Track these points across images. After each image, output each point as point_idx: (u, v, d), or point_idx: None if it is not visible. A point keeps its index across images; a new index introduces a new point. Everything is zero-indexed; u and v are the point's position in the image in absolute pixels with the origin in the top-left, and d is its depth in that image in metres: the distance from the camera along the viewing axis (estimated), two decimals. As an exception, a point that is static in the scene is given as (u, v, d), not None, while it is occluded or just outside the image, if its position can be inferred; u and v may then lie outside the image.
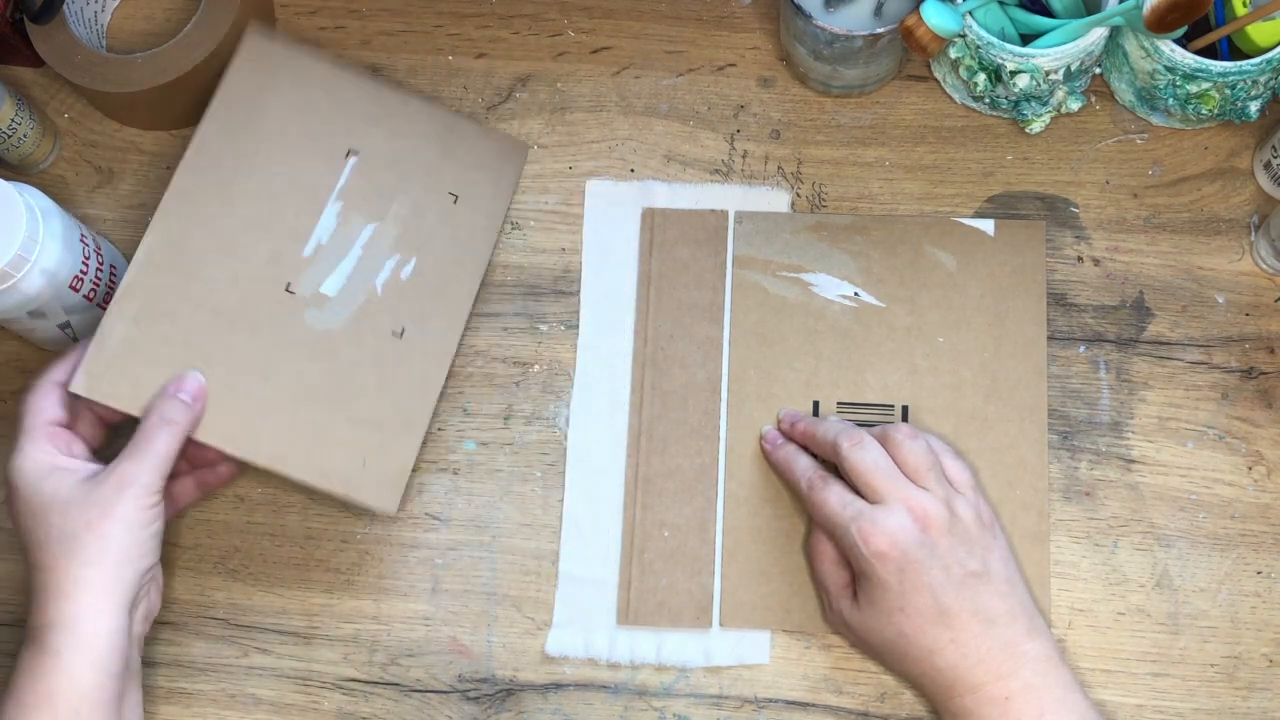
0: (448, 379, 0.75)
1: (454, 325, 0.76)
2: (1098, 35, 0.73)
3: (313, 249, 0.73)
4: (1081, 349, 0.76)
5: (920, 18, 0.71)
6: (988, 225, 0.77)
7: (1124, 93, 0.78)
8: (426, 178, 0.76)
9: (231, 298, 0.71)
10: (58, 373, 0.69)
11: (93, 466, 0.66)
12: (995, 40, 0.72)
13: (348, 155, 0.75)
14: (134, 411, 0.68)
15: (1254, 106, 0.74)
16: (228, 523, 0.75)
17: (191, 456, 0.72)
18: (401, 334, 0.74)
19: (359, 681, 0.73)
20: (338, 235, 0.74)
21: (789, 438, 0.73)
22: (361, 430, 0.72)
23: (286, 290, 0.72)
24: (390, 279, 0.74)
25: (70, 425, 0.69)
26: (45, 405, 0.68)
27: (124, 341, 0.69)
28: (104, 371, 0.68)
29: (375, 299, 0.74)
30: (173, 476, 0.71)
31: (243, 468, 0.73)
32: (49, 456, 0.66)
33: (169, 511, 0.71)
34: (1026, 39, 0.76)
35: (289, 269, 0.73)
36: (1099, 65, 0.78)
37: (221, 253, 0.72)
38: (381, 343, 0.73)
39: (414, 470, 0.75)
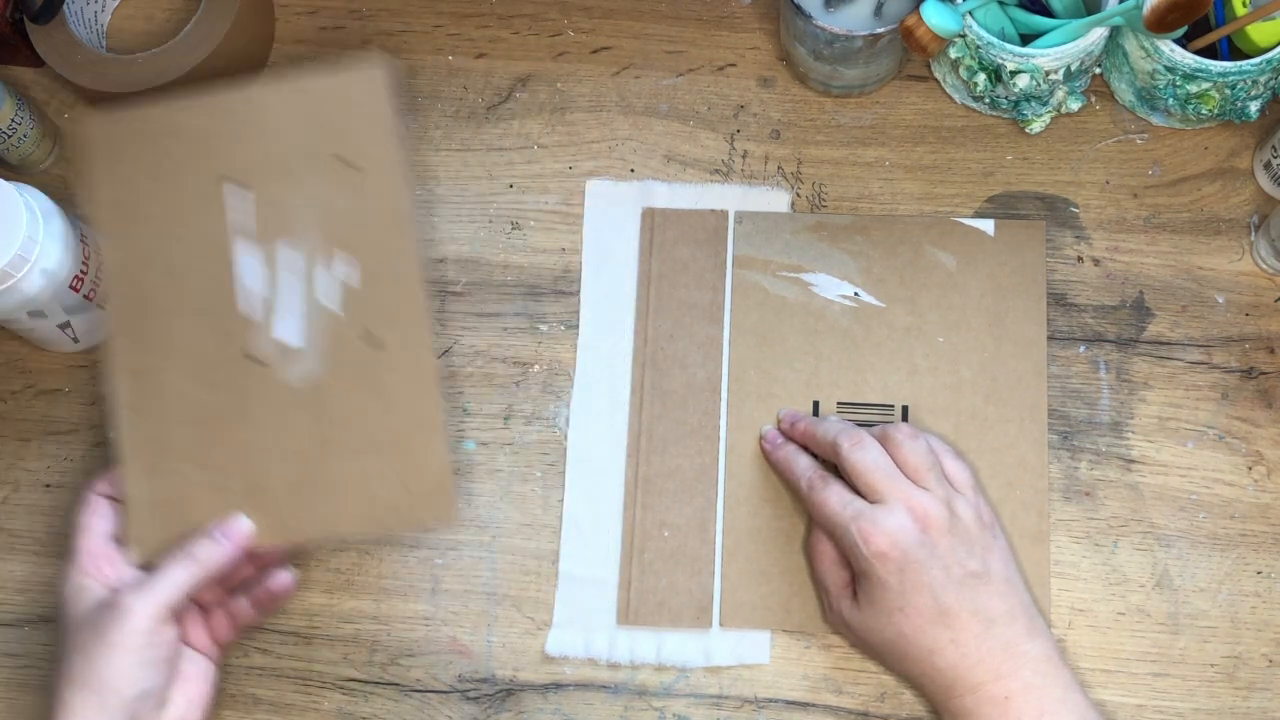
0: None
1: (418, 305, 0.70)
2: (1098, 35, 0.73)
3: (248, 303, 0.69)
4: (1081, 349, 0.76)
5: (920, 18, 0.71)
6: (988, 225, 0.77)
7: (1124, 93, 0.78)
8: (311, 161, 0.70)
9: (210, 399, 0.69)
10: (102, 485, 0.69)
11: (110, 590, 0.66)
12: (995, 40, 0.72)
13: (222, 184, 0.69)
14: None
15: (1254, 106, 0.74)
16: (228, 523, 0.75)
17: (235, 577, 0.71)
18: (374, 341, 0.69)
19: (359, 681, 0.73)
20: (264, 275, 0.69)
21: (789, 438, 0.73)
22: (386, 456, 0.69)
23: (251, 360, 0.69)
24: (342, 295, 0.69)
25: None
26: (92, 522, 0.68)
27: (149, 497, 0.69)
28: (148, 533, 0.68)
29: (337, 322, 0.70)
30: (231, 593, 0.70)
31: (299, 560, 0.72)
32: (80, 577, 0.66)
33: (226, 633, 0.70)
34: (1026, 39, 0.76)
35: (240, 338, 0.69)
36: (1099, 65, 0.78)
37: (177, 360, 0.69)
38: (364, 363, 0.69)
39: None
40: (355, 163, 0.70)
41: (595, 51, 0.83)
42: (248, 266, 0.69)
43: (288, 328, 0.69)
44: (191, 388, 0.69)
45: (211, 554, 0.67)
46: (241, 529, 0.68)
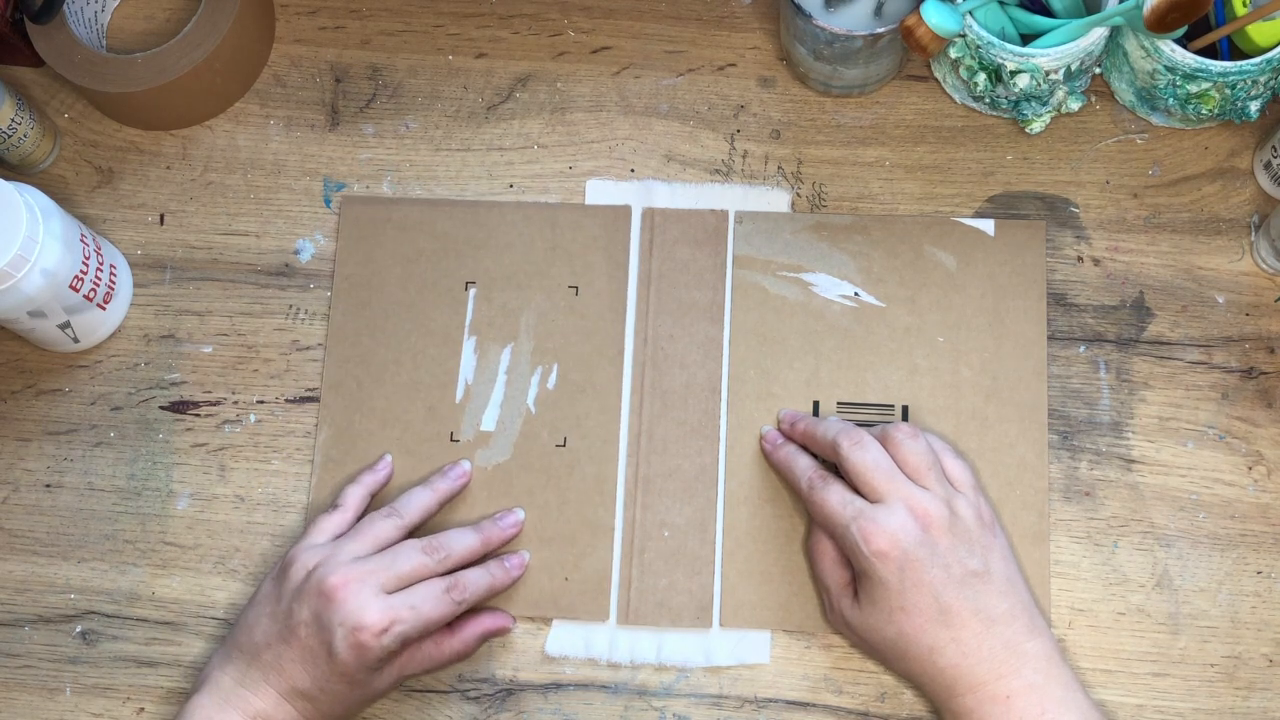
0: (625, 469, 0.75)
1: (611, 416, 0.75)
2: (1098, 35, 0.73)
3: (462, 392, 0.76)
4: (1081, 349, 0.76)
5: (920, 18, 0.71)
6: (988, 225, 0.77)
7: (1124, 93, 0.78)
8: (543, 280, 0.77)
9: (407, 466, 0.75)
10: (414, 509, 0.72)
11: None
12: (995, 40, 0.72)
13: (467, 287, 0.77)
14: None
15: (1254, 106, 0.74)
16: (228, 523, 0.75)
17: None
18: (564, 443, 0.75)
19: (359, 681, 0.73)
20: (480, 370, 0.76)
21: (789, 438, 0.73)
22: (555, 548, 0.73)
23: (451, 440, 0.75)
24: (539, 393, 0.76)
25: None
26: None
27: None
28: None
29: (531, 418, 0.75)
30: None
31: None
32: None
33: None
34: (1026, 39, 0.76)
35: (447, 420, 0.76)
36: (1099, 65, 0.78)
37: (386, 428, 0.76)
38: (549, 458, 0.75)
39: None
40: (576, 283, 0.77)
41: (595, 51, 0.83)
42: (469, 362, 0.76)
43: (488, 417, 0.76)
44: (397, 454, 0.75)
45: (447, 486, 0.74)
46: (464, 468, 0.74)
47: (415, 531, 0.72)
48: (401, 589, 0.67)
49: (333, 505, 0.72)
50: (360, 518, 0.72)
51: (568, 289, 0.77)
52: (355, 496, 0.72)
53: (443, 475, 0.74)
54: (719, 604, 0.73)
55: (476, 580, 0.69)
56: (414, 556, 0.68)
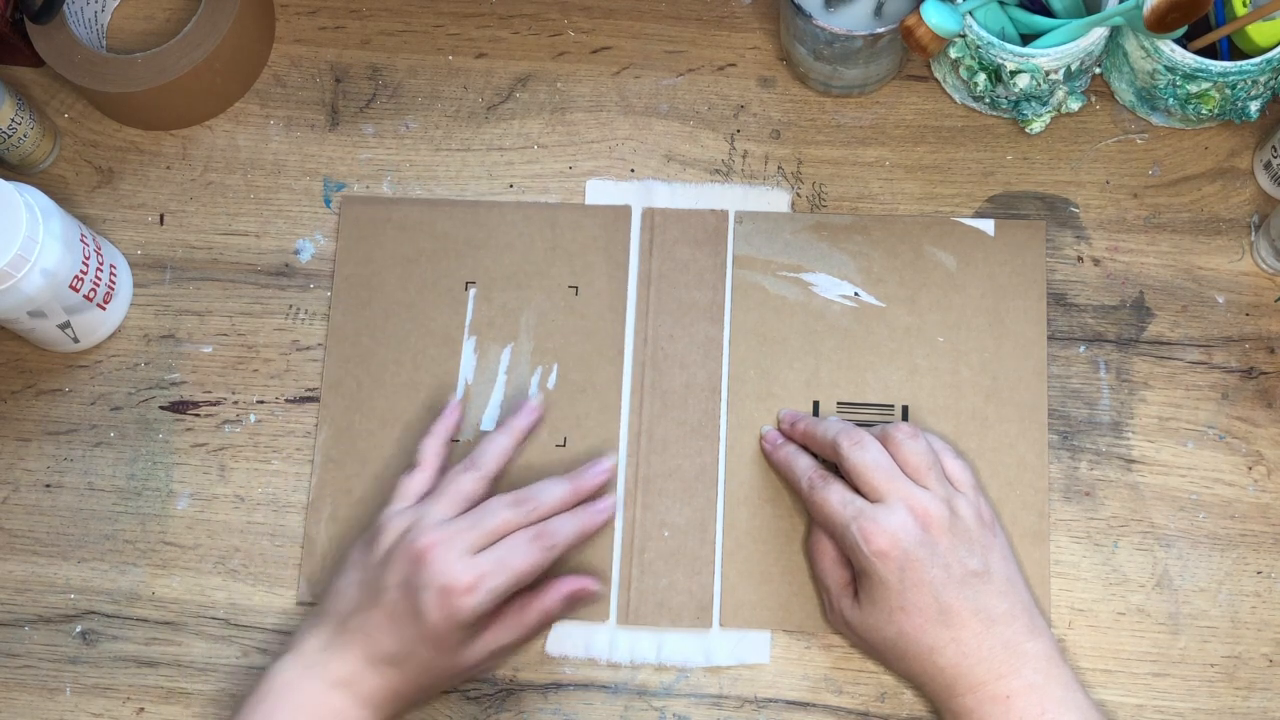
0: (625, 469, 0.75)
1: (611, 416, 0.75)
2: (1098, 35, 0.73)
3: (462, 392, 0.76)
4: (1081, 349, 0.76)
5: (920, 18, 0.71)
6: (988, 225, 0.77)
7: (1124, 93, 0.78)
8: (543, 280, 0.77)
9: (405, 466, 0.74)
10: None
11: None
12: (995, 40, 0.72)
13: (467, 287, 0.77)
14: None
15: (1254, 106, 0.74)
16: (228, 523, 0.75)
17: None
18: (564, 443, 0.75)
19: (359, 681, 0.73)
20: (480, 370, 0.76)
21: (789, 438, 0.73)
22: None
23: (452, 440, 0.74)
24: (538, 394, 0.76)
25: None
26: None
27: (328, 542, 0.74)
28: (320, 575, 0.74)
29: None
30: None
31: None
32: None
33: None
34: (1026, 39, 0.76)
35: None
36: (1099, 65, 0.78)
37: (385, 427, 0.76)
38: (548, 458, 0.74)
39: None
40: (577, 283, 0.77)
41: (595, 51, 0.83)
42: (469, 362, 0.76)
43: (488, 417, 0.76)
44: (395, 456, 0.75)
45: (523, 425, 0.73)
46: (535, 402, 0.74)
47: (498, 480, 0.71)
48: (491, 545, 0.66)
49: (411, 464, 0.71)
50: (441, 470, 0.71)
51: (568, 289, 0.77)
52: (431, 451, 0.72)
53: (516, 414, 0.73)
54: (719, 604, 0.73)
55: (565, 526, 0.69)
56: (501, 512, 0.67)
